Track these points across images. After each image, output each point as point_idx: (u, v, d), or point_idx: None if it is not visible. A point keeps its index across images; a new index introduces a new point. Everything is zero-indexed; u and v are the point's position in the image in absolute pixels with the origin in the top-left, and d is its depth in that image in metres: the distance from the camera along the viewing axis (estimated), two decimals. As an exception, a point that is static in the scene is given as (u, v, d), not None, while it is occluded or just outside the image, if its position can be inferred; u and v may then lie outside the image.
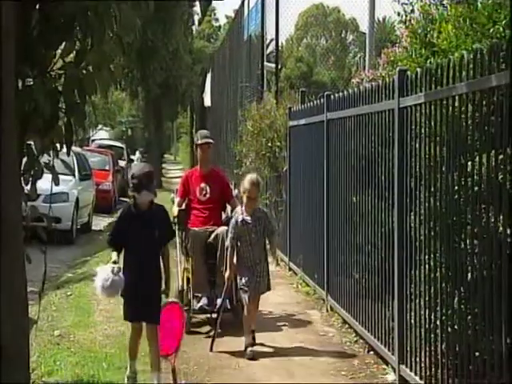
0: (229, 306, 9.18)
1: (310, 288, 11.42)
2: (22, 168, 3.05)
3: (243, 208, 8.56)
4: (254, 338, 8.57)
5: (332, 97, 9.78)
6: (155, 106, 36.07)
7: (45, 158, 3.39)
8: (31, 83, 3.09)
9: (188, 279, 9.34)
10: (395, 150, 7.04)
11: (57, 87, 3.20)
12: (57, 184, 3.51)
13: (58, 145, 3.32)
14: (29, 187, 3.19)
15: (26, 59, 3.02)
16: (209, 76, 31.20)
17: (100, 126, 50.15)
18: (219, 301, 8.97)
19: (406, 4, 8.49)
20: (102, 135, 47.14)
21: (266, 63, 18.38)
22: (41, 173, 3.22)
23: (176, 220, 9.37)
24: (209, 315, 9.51)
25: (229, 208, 10.09)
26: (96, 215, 21.02)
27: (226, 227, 9.18)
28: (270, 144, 14.31)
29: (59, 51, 3.17)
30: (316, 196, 10.60)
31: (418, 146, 6.63)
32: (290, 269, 12.97)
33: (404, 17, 8.40)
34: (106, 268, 7.00)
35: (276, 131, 14.22)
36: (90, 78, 3.29)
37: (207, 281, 9.41)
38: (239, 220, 8.55)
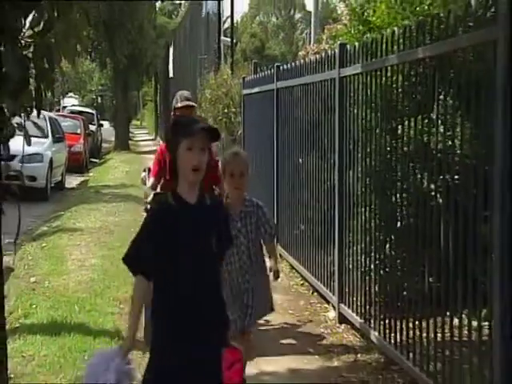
0: None
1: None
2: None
3: (225, 198, 5.29)
4: None
5: (281, 68, 9.74)
6: (122, 76, 36.00)
7: (17, 120, 3.35)
8: (1, 50, 3.05)
9: None
10: (336, 116, 7.04)
11: (27, 55, 3.16)
12: (28, 143, 3.47)
13: (28, 108, 3.28)
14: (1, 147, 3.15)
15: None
16: (171, 49, 31.06)
17: (71, 94, 49.91)
18: None
19: (346, -14, 8.54)
20: (73, 102, 46.77)
21: (222, 38, 18.44)
22: (12, 133, 3.19)
23: (149, 207, 6.33)
24: None
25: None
26: (69, 174, 20.88)
27: None
28: (226, 110, 14.34)
29: (28, 21, 3.13)
30: (267, 157, 10.56)
31: (355, 111, 6.65)
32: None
33: (345, -4, 8.41)
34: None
35: (231, 99, 14.21)
36: (57, 46, 3.26)
37: None
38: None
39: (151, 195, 6.48)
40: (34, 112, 3.42)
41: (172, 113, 6.91)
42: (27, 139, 3.44)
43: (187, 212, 3.63)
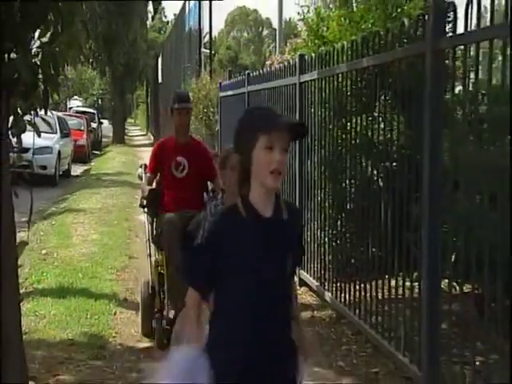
0: None
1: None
2: (9, 125, 3.07)
3: (220, 193, 4.20)
4: None
5: (251, 74, 9.73)
6: (119, 81, 36.34)
7: (28, 117, 3.38)
8: (14, 57, 3.08)
9: (161, 276, 5.56)
10: (297, 114, 7.03)
11: (36, 62, 3.19)
12: (39, 135, 3.50)
13: (37, 107, 3.31)
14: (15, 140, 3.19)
15: (11, 38, 3.02)
16: (160, 59, 31.07)
17: (76, 97, 49.71)
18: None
19: (304, 7, 8.58)
20: (78, 104, 46.56)
21: (202, 50, 18.39)
22: (24, 128, 3.22)
23: (145, 202, 5.74)
24: None
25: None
26: (74, 164, 20.82)
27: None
28: (205, 110, 14.29)
29: (37, 33, 3.16)
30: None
31: (312, 110, 6.66)
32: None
33: (303, 16, 8.42)
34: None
35: (210, 100, 14.16)
36: (61, 54, 3.29)
37: None
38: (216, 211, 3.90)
39: (147, 190, 5.68)
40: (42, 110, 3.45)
41: (170, 112, 5.84)
42: (37, 133, 3.47)
43: (261, 228, 2.42)
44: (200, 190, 5.76)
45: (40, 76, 3.14)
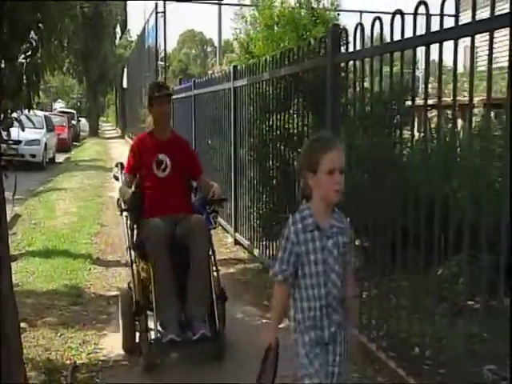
0: (209, 333, 3.70)
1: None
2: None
3: (313, 204, 2.33)
4: None
5: (196, 81, 9.71)
6: (93, 88, 36.40)
7: (15, 115, 3.34)
8: (2, 67, 3.06)
9: (146, 287, 3.93)
10: (232, 112, 7.08)
11: (21, 70, 3.16)
12: (23, 130, 3.47)
13: (22, 107, 3.29)
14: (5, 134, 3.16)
15: (1, 51, 3.00)
16: (126, 70, 30.82)
17: (60, 100, 48.87)
18: (197, 325, 3.69)
19: (237, 29, 8.63)
20: (61, 105, 45.69)
21: (159, 62, 18.18)
22: (11, 123, 3.20)
23: (126, 206, 4.12)
24: (181, 349, 3.90)
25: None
26: (58, 153, 20.39)
27: (200, 216, 4.12)
28: (162, 110, 14.16)
29: (23, 47, 3.13)
30: (186, 135, 10.53)
31: (244, 109, 6.70)
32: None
33: (236, 37, 8.45)
34: None
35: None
36: (42, 65, 3.26)
37: (175, 295, 3.81)
38: (306, 226, 2.30)
39: (128, 193, 4.07)
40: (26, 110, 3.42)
41: (148, 105, 4.27)
42: (22, 128, 3.44)
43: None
44: (186, 191, 4.31)
45: (24, 81, 3.12)
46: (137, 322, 3.82)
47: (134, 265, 4.01)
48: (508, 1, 2.50)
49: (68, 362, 3.88)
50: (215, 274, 3.98)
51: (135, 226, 4.15)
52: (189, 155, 4.40)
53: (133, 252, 4.07)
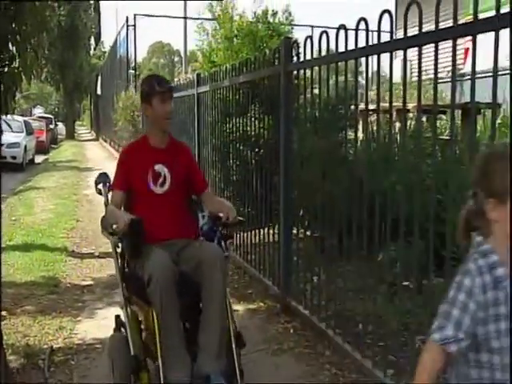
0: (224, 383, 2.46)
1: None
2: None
3: (494, 244, 1.34)
4: None
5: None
6: (70, 94, 35.99)
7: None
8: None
9: (148, 346, 2.67)
10: (195, 115, 7.02)
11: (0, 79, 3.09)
12: (1, 133, 3.39)
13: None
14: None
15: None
16: (99, 78, 30.48)
17: (39, 106, 47.87)
18: (214, 379, 2.48)
19: (201, 41, 8.60)
20: (40, 111, 44.71)
21: (130, 71, 17.99)
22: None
23: (121, 235, 2.69)
24: None
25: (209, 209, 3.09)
26: (37, 155, 19.92)
27: (214, 244, 2.82)
28: (131, 113, 14.02)
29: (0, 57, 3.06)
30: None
31: (206, 113, 6.65)
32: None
33: (200, 47, 8.41)
34: None
35: (135, 106, 13.88)
36: (18, 74, 3.20)
37: (186, 348, 2.55)
38: (496, 279, 1.30)
39: (123, 220, 2.65)
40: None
41: (145, 105, 3.05)
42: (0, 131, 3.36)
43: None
44: (189, 209, 3.09)
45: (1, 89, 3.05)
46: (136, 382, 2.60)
47: (129, 307, 2.82)
48: (434, 21, 2.57)
49: (45, 346, 3.82)
50: (229, 312, 2.76)
51: (134, 262, 2.82)
52: (191, 165, 3.13)
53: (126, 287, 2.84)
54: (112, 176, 3.09)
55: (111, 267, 5.53)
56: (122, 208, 2.94)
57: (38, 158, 19.94)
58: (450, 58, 2.47)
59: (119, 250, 2.94)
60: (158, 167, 2.97)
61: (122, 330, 2.91)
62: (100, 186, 3.14)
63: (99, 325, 4.14)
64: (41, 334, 4.02)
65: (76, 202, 10.01)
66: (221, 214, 2.91)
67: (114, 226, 2.70)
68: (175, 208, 2.96)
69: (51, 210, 9.08)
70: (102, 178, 3.16)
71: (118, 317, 2.99)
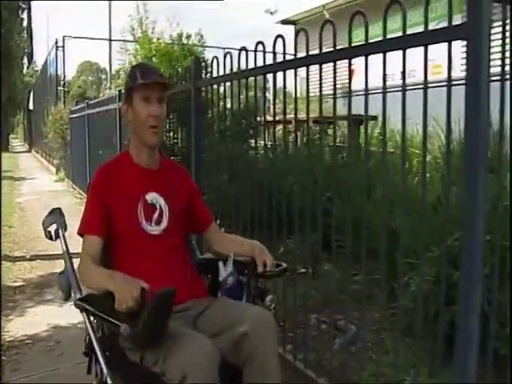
0: None
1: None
2: None
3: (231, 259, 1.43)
4: None
5: (89, 102, 9.24)
6: (4, 109, 34.87)
7: None
8: None
9: None
10: (117, 128, 6.85)
11: None
12: None
13: None
14: None
15: None
16: (32, 94, 29.39)
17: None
18: None
19: (122, 61, 8.41)
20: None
21: (60, 88, 17.41)
22: None
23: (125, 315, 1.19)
24: None
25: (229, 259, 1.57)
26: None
27: (260, 308, 1.42)
28: (60, 126, 13.42)
29: None
30: (82, 152, 9.94)
31: (129, 127, 6.48)
32: (73, 187, 12.06)
33: (122, 66, 8.19)
34: None
35: (63, 120, 13.31)
36: None
37: None
38: None
39: (133, 293, 1.34)
40: None
41: (126, 106, 1.81)
42: None
43: None
44: (190, 255, 1.93)
45: None
46: None
47: None
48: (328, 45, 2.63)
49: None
50: None
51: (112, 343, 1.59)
52: (193, 193, 1.97)
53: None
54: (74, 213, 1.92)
55: (41, 269, 5.21)
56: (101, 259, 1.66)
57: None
58: (342, 77, 2.52)
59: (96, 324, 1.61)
60: (150, 197, 1.78)
61: None
62: (51, 229, 1.75)
63: (30, 322, 3.95)
64: (-28, 334, 3.72)
65: (9, 209, 9.39)
66: (247, 259, 1.78)
67: (117, 307, 1.39)
68: (178, 254, 1.77)
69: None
70: (54, 217, 1.78)
71: None
